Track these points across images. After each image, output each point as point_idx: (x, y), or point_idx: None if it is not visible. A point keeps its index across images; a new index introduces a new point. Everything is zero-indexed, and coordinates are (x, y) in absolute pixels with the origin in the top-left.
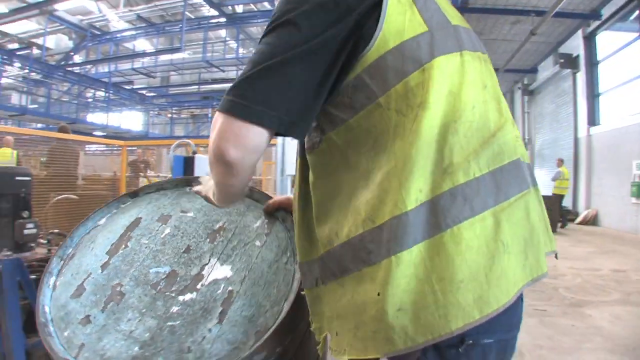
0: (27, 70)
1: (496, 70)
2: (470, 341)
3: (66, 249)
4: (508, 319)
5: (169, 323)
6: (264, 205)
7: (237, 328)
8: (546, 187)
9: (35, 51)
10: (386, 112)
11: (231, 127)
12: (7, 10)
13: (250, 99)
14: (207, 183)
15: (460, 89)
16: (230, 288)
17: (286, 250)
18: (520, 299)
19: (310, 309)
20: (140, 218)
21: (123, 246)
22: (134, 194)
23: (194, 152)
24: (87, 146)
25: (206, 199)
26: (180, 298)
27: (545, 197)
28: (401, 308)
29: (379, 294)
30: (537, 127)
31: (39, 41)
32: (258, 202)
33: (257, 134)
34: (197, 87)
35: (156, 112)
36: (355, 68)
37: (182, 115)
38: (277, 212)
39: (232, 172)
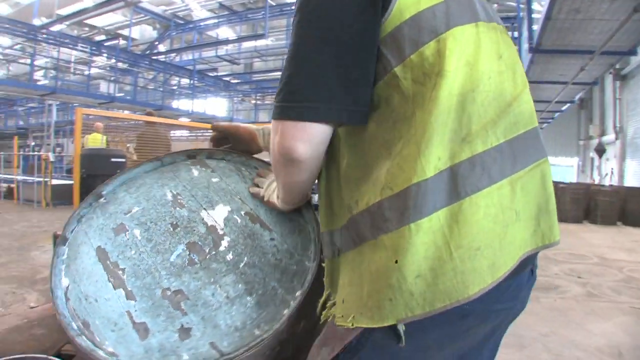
0: (114, 60)
1: (591, 53)
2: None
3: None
4: (503, 291)
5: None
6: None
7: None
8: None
9: (122, 42)
10: (403, 82)
11: (292, 129)
12: (93, 5)
13: (297, 99)
14: (269, 187)
15: (476, 59)
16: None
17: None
18: (529, 269)
19: (327, 280)
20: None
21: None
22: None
23: None
24: (172, 132)
25: (268, 203)
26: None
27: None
28: (419, 275)
29: (396, 262)
30: (630, 115)
31: (125, 32)
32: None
33: (316, 129)
34: (280, 73)
35: (240, 99)
36: None
37: (266, 102)
38: None
39: (302, 167)
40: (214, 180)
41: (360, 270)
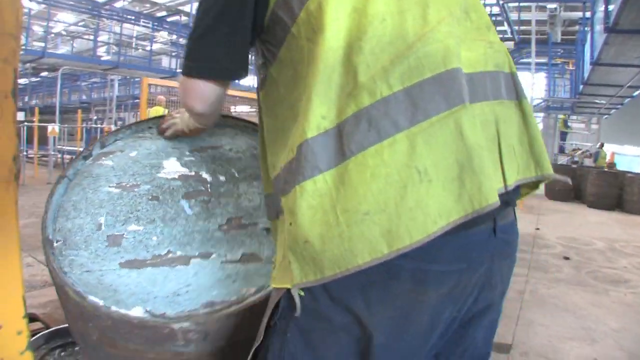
0: (175, 36)
1: None
2: None
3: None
4: (434, 249)
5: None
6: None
7: None
8: None
9: (183, 18)
10: (299, 41)
11: (191, 85)
12: None
13: (195, 59)
14: (183, 119)
15: (365, 3)
16: None
17: None
18: (485, 228)
19: (273, 242)
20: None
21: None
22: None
23: None
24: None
25: (191, 132)
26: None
27: None
28: (308, 240)
29: (290, 224)
30: None
31: (186, 8)
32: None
33: (210, 87)
34: None
35: None
36: (269, 4)
37: None
38: None
39: (203, 118)
40: (146, 150)
41: (279, 234)
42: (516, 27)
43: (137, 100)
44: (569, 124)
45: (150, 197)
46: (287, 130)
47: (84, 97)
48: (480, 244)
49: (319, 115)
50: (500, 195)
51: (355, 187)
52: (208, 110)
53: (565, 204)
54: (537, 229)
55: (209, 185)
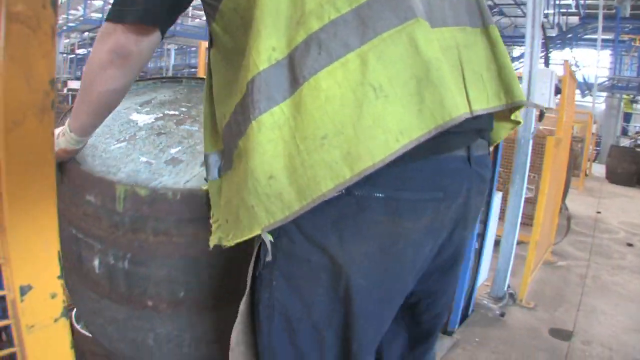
0: None
1: None
2: (343, 190)
3: None
4: (408, 175)
5: None
6: None
7: None
8: None
9: None
10: None
11: (117, 30)
12: None
13: (122, 3)
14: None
15: None
16: None
17: None
18: (457, 156)
19: (213, 204)
20: None
21: None
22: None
23: None
24: None
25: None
26: None
27: None
28: (272, 175)
29: (247, 162)
30: None
31: None
32: None
33: (139, 30)
34: None
35: None
36: None
37: None
38: None
39: (128, 68)
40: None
41: (234, 185)
42: (582, 1)
43: (194, 70)
44: (635, 105)
45: (157, 134)
46: (238, 77)
47: None
48: (455, 172)
49: (269, 47)
50: (469, 122)
51: (312, 112)
52: (137, 57)
53: (626, 188)
54: (599, 212)
55: (184, 114)
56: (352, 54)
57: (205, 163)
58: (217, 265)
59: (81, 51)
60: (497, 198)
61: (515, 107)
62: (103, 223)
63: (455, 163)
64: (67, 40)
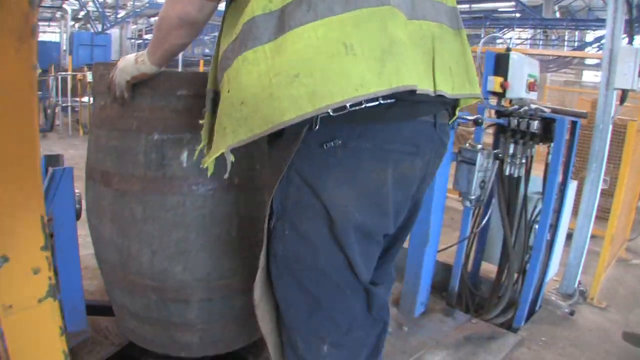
0: None
1: None
2: (340, 142)
3: None
4: (392, 132)
5: None
6: None
7: None
8: None
9: None
10: None
11: None
12: None
13: None
14: (126, 68)
15: None
16: None
17: None
18: (426, 121)
19: (205, 134)
20: None
21: None
22: None
23: (509, 49)
24: None
25: (136, 77)
26: None
27: None
28: (243, 102)
29: (228, 91)
30: None
31: None
32: None
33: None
34: (468, 5)
35: None
36: None
37: None
38: None
39: (192, 30)
40: None
41: (218, 113)
42: None
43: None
44: None
45: None
46: (237, 21)
47: (206, 50)
48: (425, 134)
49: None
50: (435, 97)
51: (289, 54)
52: (200, 17)
53: None
54: None
55: None
56: (334, 18)
57: (206, 97)
58: None
59: (148, 36)
60: (572, 187)
61: (475, 97)
62: (193, 112)
63: (425, 126)
64: (134, 27)
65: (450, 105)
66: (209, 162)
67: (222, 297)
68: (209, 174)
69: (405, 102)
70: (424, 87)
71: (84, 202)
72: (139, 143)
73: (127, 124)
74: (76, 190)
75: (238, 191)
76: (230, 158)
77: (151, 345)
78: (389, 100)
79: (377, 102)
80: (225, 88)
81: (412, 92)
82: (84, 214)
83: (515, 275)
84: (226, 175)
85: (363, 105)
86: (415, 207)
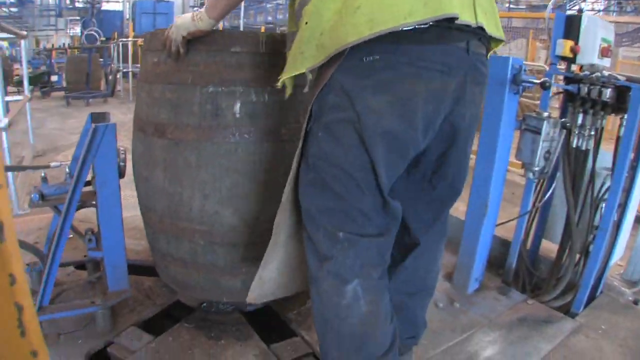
0: None
1: None
2: (377, 57)
3: None
4: (425, 51)
5: None
6: None
7: None
8: None
9: None
10: None
11: None
12: None
13: None
14: (183, 25)
15: None
16: None
17: None
18: (460, 46)
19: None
20: None
21: None
22: None
23: (581, 10)
24: None
25: (194, 33)
26: None
27: None
28: (322, 32)
29: (306, 23)
30: None
31: None
32: None
33: None
34: None
35: None
36: None
37: None
38: None
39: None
40: None
41: (296, 42)
42: None
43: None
44: None
45: None
46: None
47: (269, 18)
48: (457, 57)
49: None
50: (474, 29)
51: None
52: None
53: None
54: None
55: None
56: None
57: (287, 39)
58: None
59: None
60: None
61: (501, 41)
62: (245, 68)
63: (457, 50)
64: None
65: (486, 39)
66: (285, 80)
67: (266, 241)
68: (286, 94)
69: (439, 27)
70: (466, 18)
71: (129, 162)
72: (194, 95)
73: (182, 78)
74: (121, 148)
75: (284, 141)
76: (309, 77)
77: (193, 291)
78: (423, 26)
79: (412, 27)
80: (303, 20)
81: (450, 21)
82: (128, 175)
83: (577, 256)
84: (306, 89)
85: (400, 29)
86: (454, 133)
